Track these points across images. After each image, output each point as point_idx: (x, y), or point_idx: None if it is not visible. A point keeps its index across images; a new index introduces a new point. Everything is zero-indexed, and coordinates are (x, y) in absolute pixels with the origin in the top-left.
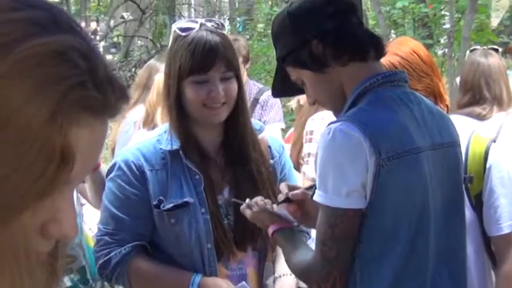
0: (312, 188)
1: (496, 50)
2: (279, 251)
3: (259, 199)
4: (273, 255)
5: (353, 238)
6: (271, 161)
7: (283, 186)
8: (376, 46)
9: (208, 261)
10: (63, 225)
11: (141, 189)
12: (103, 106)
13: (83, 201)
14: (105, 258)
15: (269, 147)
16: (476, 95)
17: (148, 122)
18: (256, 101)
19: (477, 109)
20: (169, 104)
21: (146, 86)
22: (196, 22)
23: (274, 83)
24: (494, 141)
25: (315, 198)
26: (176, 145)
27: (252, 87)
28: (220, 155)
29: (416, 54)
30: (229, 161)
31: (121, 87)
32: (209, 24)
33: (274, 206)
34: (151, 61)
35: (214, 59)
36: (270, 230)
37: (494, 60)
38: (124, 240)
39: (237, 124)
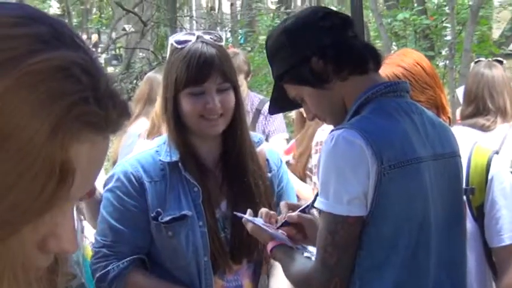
0: (307, 208)
1: (501, 62)
2: (274, 264)
3: (264, 211)
4: (267, 268)
5: (354, 245)
6: (269, 175)
7: (283, 206)
8: (374, 57)
9: (204, 274)
10: (63, 240)
11: (140, 201)
12: (104, 122)
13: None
14: (103, 271)
15: (267, 160)
16: (480, 106)
17: (154, 133)
18: (258, 111)
19: (481, 120)
20: (167, 117)
21: (148, 99)
22: (193, 34)
23: (272, 101)
24: (497, 152)
25: (316, 204)
26: (175, 157)
27: (253, 98)
28: (219, 167)
29: (420, 65)
30: (227, 173)
31: (122, 102)
32: (207, 37)
33: (280, 217)
34: (151, 74)
35: (210, 71)
36: (269, 246)
37: (498, 71)
38: (122, 253)
39: (235, 136)
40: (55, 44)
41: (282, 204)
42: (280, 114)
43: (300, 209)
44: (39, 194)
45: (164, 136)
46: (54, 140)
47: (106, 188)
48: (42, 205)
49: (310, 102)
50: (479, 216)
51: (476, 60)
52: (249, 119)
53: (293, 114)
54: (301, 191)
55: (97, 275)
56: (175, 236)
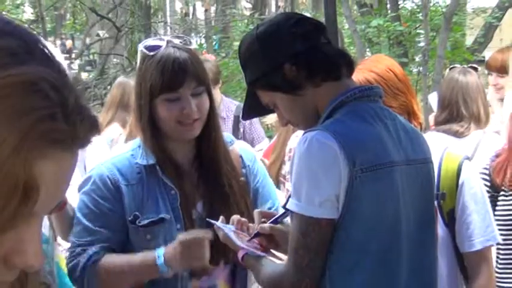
0: (280, 217)
1: (475, 69)
2: None
3: (236, 218)
4: None
5: (325, 248)
6: (243, 171)
7: (256, 214)
8: (347, 63)
9: (181, 277)
10: (27, 256)
11: (116, 205)
12: (72, 138)
13: None
14: (74, 262)
15: (240, 157)
16: (454, 112)
17: (132, 137)
18: (237, 118)
19: (455, 126)
20: (143, 124)
21: (120, 104)
22: (163, 40)
23: (245, 107)
24: (468, 158)
25: (288, 206)
26: (152, 160)
27: (229, 104)
28: (194, 169)
29: (392, 71)
30: (202, 175)
31: (91, 118)
32: (177, 41)
33: (253, 226)
34: (122, 79)
35: (184, 76)
36: (240, 254)
37: (473, 78)
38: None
39: (210, 138)
40: (25, 59)
41: (256, 212)
42: (259, 121)
43: (273, 219)
44: (1, 211)
45: (138, 140)
46: (18, 156)
47: (82, 190)
48: (5, 222)
49: (283, 108)
50: (450, 221)
51: (451, 66)
52: (224, 125)
53: (267, 120)
54: None
55: (68, 266)
56: (153, 239)
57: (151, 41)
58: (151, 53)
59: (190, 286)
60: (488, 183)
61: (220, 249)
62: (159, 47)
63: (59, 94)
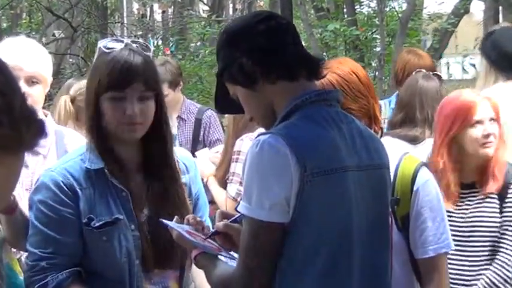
0: (239, 217)
1: (439, 77)
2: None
3: (190, 217)
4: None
5: (275, 251)
6: (185, 178)
7: (218, 214)
8: (308, 66)
9: (136, 277)
10: None
11: (75, 208)
12: (17, 144)
13: None
14: (40, 284)
15: (183, 164)
16: (410, 113)
17: None
18: (199, 121)
19: (410, 132)
20: (89, 120)
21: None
22: (122, 42)
23: (216, 99)
24: (425, 164)
25: (239, 209)
26: (100, 164)
27: (190, 107)
28: (141, 171)
29: (355, 74)
30: (147, 177)
31: (38, 122)
32: (135, 45)
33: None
34: (69, 81)
35: (132, 78)
36: (193, 254)
37: (433, 84)
38: (61, 265)
39: (160, 142)
40: None
41: (218, 212)
42: (220, 124)
43: (232, 218)
44: None
45: (85, 144)
46: None
47: (36, 198)
48: None
49: (242, 102)
50: (404, 227)
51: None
52: (184, 126)
53: (224, 121)
54: (217, 197)
55: (33, 282)
56: (109, 240)
57: (111, 42)
58: (107, 51)
59: (143, 283)
60: None
61: (166, 252)
62: (116, 48)
63: (4, 99)
